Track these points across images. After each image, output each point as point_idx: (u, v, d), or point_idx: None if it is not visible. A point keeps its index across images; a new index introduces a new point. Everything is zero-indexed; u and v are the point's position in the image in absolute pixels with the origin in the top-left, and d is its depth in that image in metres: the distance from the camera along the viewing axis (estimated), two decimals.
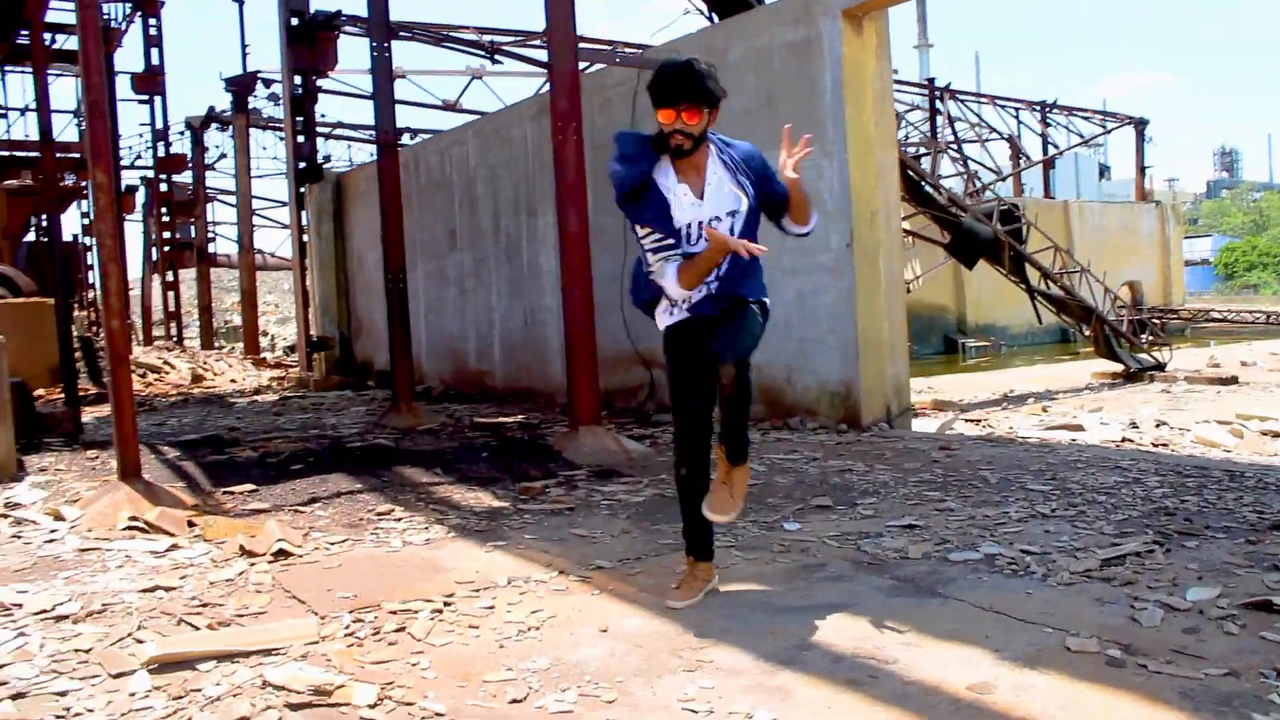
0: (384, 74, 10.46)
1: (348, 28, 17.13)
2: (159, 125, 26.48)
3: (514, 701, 2.97)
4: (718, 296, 3.76)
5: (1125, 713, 2.70)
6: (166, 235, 28.55)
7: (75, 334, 17.56)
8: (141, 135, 29.60)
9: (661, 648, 3.34)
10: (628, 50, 18.59)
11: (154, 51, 24.96)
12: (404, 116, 26.15)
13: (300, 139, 17.16)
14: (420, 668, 3.24)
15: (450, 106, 22.78)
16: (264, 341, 30.93)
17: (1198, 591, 3.62)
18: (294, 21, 16.45)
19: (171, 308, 28.45)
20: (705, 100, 3.56)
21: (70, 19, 20.56)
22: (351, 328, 17.33)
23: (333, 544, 4.95)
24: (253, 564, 4.60)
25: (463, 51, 18.17)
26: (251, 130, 24.84)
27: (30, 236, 26.69)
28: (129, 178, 30.62)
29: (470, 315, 13.50)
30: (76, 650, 3.46)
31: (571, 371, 7.61)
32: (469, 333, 13.58)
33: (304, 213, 17.41)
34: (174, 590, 4.19)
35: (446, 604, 3.88)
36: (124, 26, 24.78)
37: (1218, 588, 3.65)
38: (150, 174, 28.98)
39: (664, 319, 3.89)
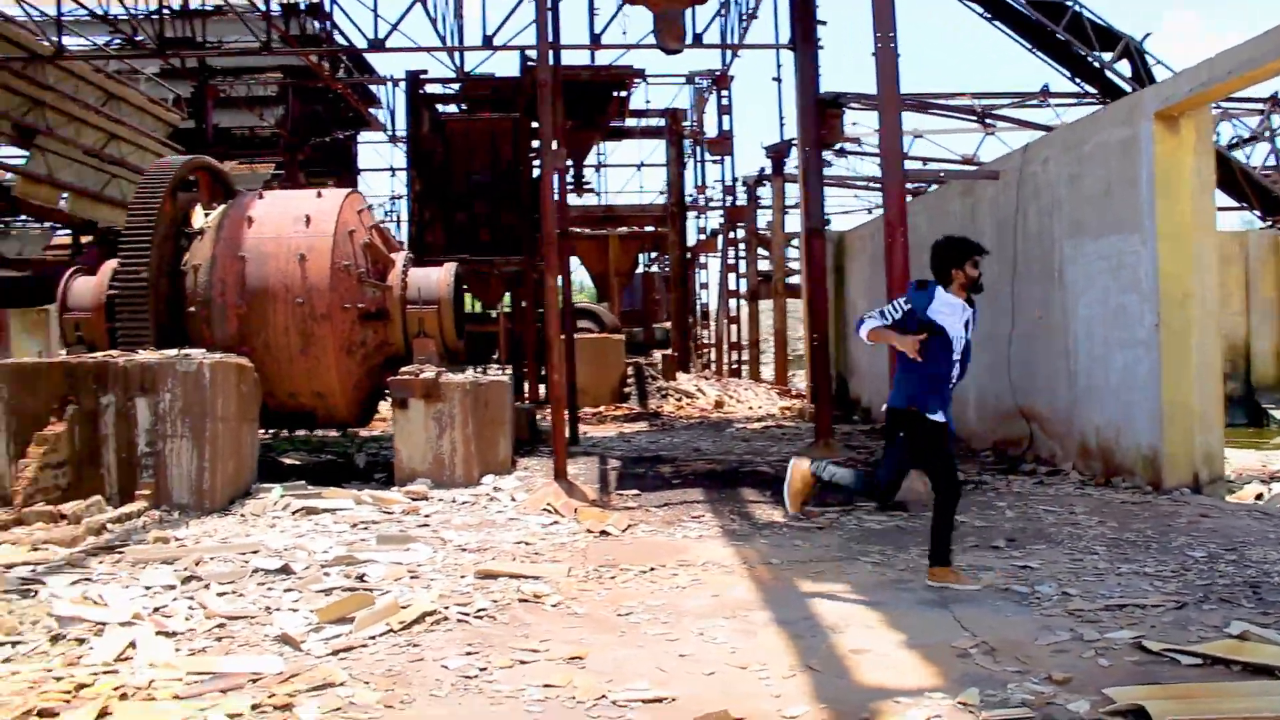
0: (815, 177, 12.88)
1: (853, 104, 19.73)
2: (728, 181, 31.46)
3: (620, 615, 5.33)
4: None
5: (912, 675, 4.35)
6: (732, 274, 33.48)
7: (634, 363, 22.29)
8: (718, 185, 34.73)
9: (729, 608, 5.45)
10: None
11: (725, 119, 29.70)
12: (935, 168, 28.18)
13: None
14: (596, 595, 5.73)
15: (968, 161, 24.25)
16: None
17: (1121, 633, 4.81)
18: None
19: (733, 339, 33.17)
20: None
21: (641, 104, 25.80)
22: (847, 367, 19.84)
23: (641, 532, 7.58)
24: (586, 537, 7.38)
25: (958, 118, 19.91)
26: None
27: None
28: (712, 221, 36.50)
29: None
30: (455, 564, 6.47)
31: None
32: None
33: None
34: (529, 545, 7.11)
35: (651, 570, 6.30)
36: (706, 97, 29.85)
37: (1141, 632, 4.80)
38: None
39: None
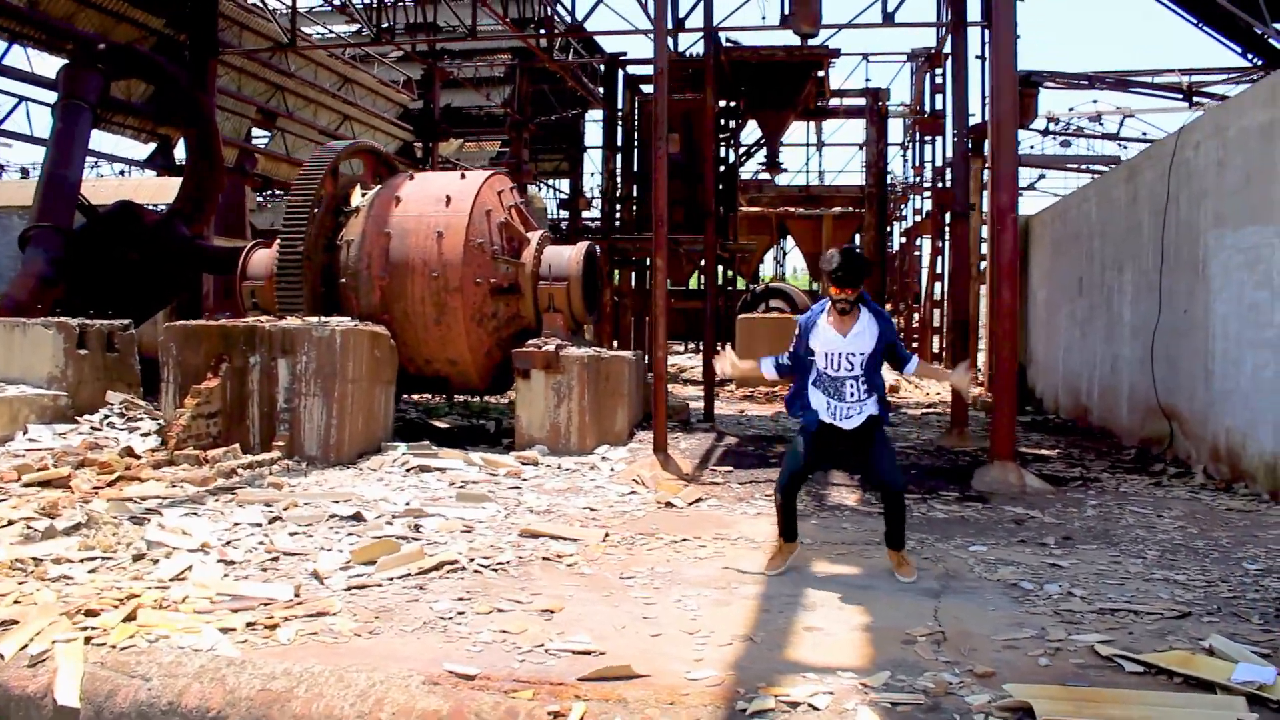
0: (961, 160, 12.59)
1: (1048, 84, 18.89)
2: (938, 163, 30.62)
3: (621, 578, 5.73)
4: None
5: (842, 655, 4.54)
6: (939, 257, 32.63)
7: None
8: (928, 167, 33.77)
9: (726, 580, 5.74)
10: None
11: (937, 98, 28.92)
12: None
13: None
14: (615, 558, 6.16)
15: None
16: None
17: (1088, 637, 4.76)
18: None
19: (934, 324, 32.33)
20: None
21: (859, 84, 25.41)
22: (1026, 356, 19.10)
23: (705, 506, 7.92)
24: (653, 507, 7.80)
25: (1163, 96, 18.67)
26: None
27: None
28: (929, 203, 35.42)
29: (1082, 357, 14.64)
30: (512, 523, 7.04)
31: (995, 417, 9.23)
32: (1080, 372, 14.73)
33: None
34: (594, 511, 7.59)
35: (683, 540, 6.65)
36: (921, 74, 29.21)
37: (1115, 638, 4.73)
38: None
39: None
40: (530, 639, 4.58)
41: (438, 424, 12.30)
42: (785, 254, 51.41)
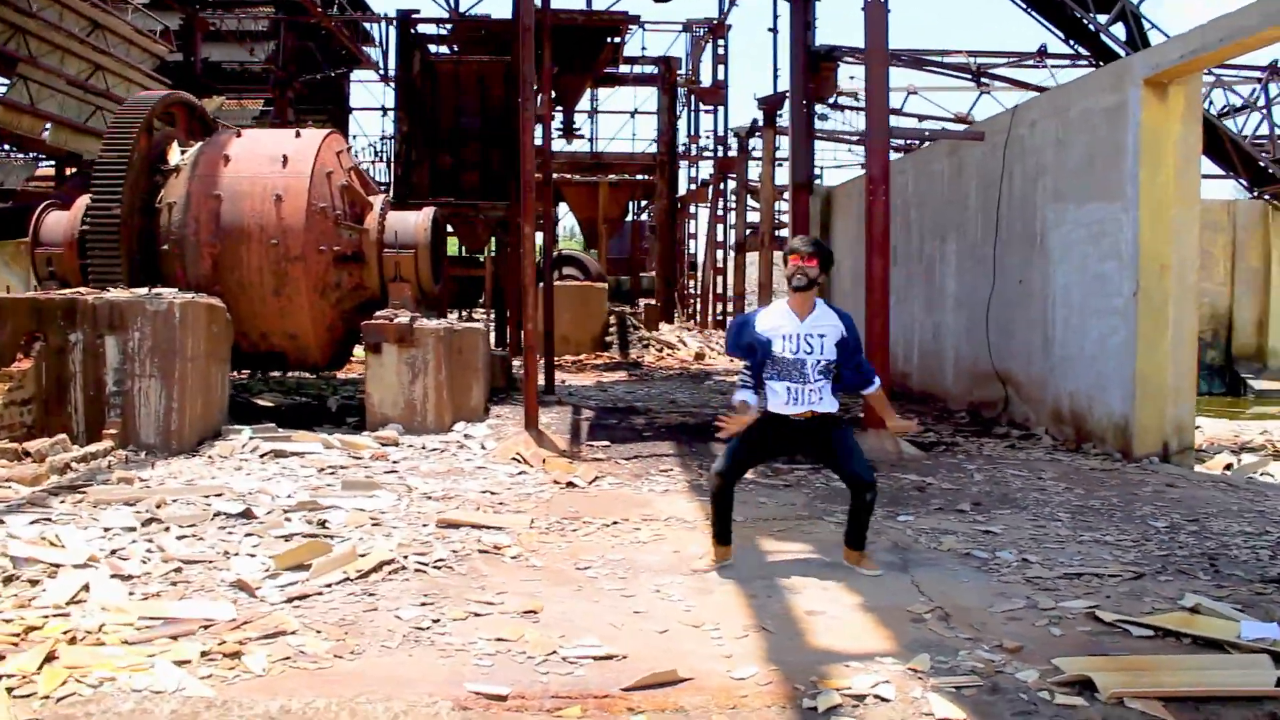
0: (803, 131, 12.76)
1: (847, 58, 19.46)
2: (720, 132, 31.27)
3: (578, 569, 5.33)
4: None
5: (865, 639, 4.37)
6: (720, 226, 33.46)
7: (617, 312, 22.20)
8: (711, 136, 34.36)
9: (688, 564, 5.45)
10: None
11: (720, 69, 29.42)
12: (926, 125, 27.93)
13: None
14: (556, 546, 5.73)
15: (961, 120, 24.03)
16: None
17: (1076, 603, 4.83)
18: None
19: (719, 291, 33.16)
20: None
21: (636, 51, 25.40)
22: None
23: (607, 485, 7.58)
24: (552, 488, 7.37)
25: (952, 76, 19.72)
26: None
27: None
28: (704, 171, 36.06)
29: (900, 323, 15.24)
30: (419, 513, 6.45)
31: None
32: (898, 338, 15.32)
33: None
34: (495, 494, 7.09)
35: (613, 523, 6.30)
36: (703, 45, 29.57)
37: (1097, 602, 4.82)
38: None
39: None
40: (537, 647, 4.12)
41: (260, 402, 11.26)
42: (558, 220, 51.26)
